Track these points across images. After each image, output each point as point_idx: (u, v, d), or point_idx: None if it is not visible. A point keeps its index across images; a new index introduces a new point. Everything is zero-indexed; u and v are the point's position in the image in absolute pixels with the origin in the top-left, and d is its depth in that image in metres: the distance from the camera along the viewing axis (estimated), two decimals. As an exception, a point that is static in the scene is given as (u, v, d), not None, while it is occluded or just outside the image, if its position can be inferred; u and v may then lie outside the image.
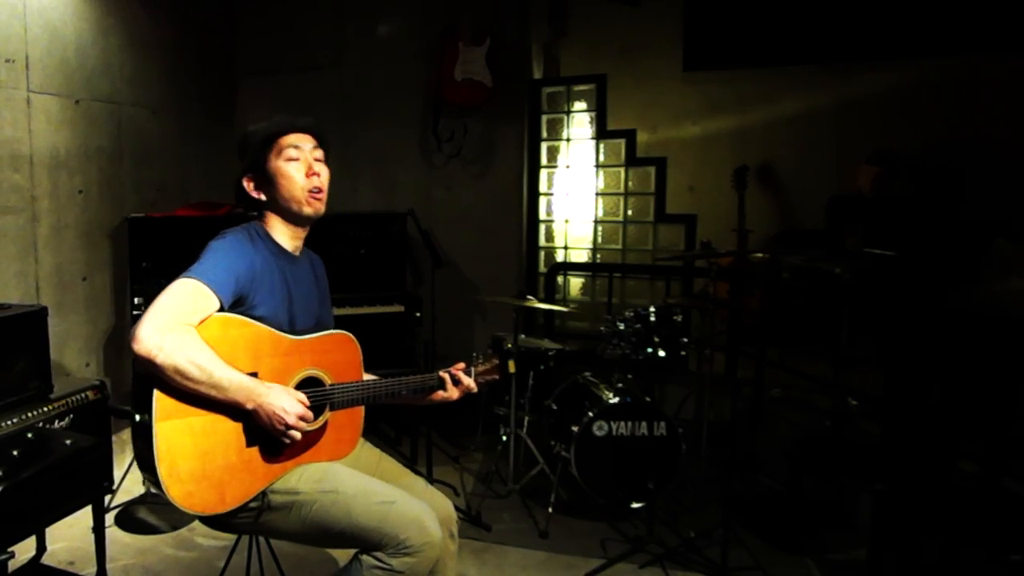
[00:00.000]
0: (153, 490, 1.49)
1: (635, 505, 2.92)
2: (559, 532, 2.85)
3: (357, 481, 1.68)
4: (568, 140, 4.57)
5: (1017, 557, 2.09)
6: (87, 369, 3.62)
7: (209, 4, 4.50)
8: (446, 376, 1.89)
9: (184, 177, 4.27)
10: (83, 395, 2.45)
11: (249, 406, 1.54)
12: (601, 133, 4.48)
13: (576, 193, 4.57)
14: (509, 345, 3.25)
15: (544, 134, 4.60)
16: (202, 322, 1.53)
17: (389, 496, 1.64)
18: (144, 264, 3.46)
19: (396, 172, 4.46)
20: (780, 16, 4.03)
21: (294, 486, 1.65)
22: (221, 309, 1.57)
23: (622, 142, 4.44)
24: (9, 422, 2.14)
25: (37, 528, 2.42)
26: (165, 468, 1.47)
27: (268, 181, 1.74)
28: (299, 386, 1.68)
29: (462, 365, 1.93)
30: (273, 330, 1.66)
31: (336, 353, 1.79)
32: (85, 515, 2.32)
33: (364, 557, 1.61)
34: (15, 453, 2.05)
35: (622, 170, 4.47)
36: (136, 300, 3.34)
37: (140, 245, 3.49)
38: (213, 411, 1.54)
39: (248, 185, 1.77)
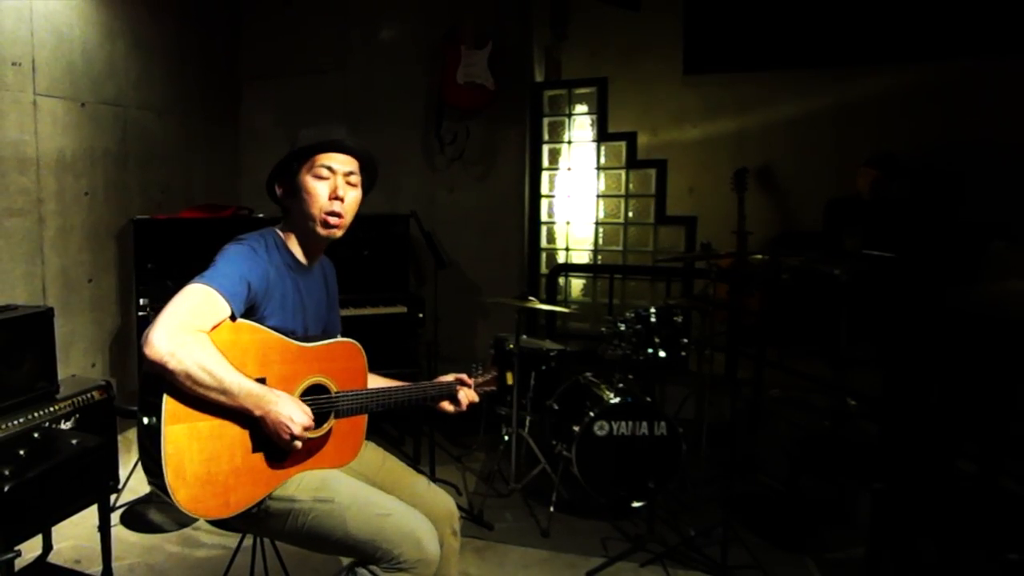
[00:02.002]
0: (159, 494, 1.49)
1: (636, 504, 2.94)
2: (560, 531, 2.87)
3: (355, 491, 1.66)
4: (569, 142, 4.59)
5: (1015, 556, 2.09)
6: (93, 369, 3.65)
7: (214, 8, 4.53)
8: (451, 384, 1.91)
9: (189, 179, 4.30)
10: (89, 395, 2.47)
11: (257, 413, 1.54)
12: (602, 135, 4.50)
13: (577, 195, 4.60)
14: (511, 345, 3.28)
15: (545, 136, 4.63)
16: (214, 328, 1.53)
17: (386, 508, 1.63)
18: (149, 265, 3.50)
19: (399, 174, 4.48)
20: (779, 19, 4.05)
21: (292, 494, 1.65)
22: (232, 318, 1.56)
23: (623, 144, 4.47)
24: (16, 422, 2.17)
25: (43, 527, 2.43)
26: (172, 472, 1.47)
27: (293, 193, 1.75)
28: (305, 393, 1.69)
29: (464, 376, 1.94)
30: (282, 337, 1.67)
31: (342, 361, 1.79)
32: (91, 514, 2.33)
33: (359, 569, 1.61)
34: (21, 452, 2.07)
35: (623, 172, 4.50)
36: (141, 301, 3.36)
37: (145, 247, 3.53)
38: (220, 416, 1.54)
39: (278, 190, 1.79)
